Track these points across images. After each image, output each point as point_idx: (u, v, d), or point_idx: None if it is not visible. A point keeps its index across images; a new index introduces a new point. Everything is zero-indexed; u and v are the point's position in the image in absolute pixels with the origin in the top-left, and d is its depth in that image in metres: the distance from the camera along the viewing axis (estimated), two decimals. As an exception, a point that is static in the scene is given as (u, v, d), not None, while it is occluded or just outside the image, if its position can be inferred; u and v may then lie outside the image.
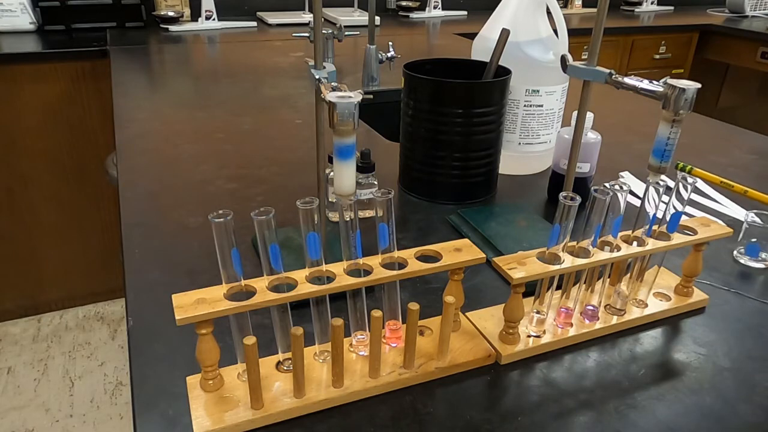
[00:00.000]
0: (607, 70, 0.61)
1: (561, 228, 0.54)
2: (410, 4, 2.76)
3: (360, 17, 2.38)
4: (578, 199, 0.53)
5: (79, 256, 2.09)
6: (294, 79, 1.61)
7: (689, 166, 0.96)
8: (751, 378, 0.56)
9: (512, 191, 0.95)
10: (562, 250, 0.56)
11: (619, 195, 0.55)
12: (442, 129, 0.84)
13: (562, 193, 0.53)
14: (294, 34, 1.71)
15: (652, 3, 3.22)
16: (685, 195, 0.59)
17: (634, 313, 0.63)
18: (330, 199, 0.80)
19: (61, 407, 1.76)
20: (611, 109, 1.39)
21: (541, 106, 0.95)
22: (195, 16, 2.30)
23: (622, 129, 1.26)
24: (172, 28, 2.21)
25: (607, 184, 0.55)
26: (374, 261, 0.53)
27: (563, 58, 0.66)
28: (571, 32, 1.00)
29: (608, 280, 0.63)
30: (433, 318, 0.60)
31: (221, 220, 0.46)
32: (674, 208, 0.59)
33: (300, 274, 0.50)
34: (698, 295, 0.66)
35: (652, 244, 0.59)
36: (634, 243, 0.59)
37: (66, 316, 2.16)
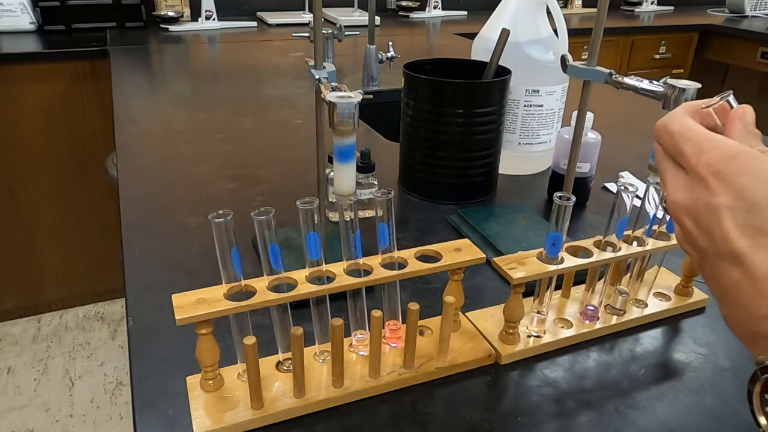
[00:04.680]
0: (607, 70, 0.61)
1: (558, 232, 0.54)
2: (410, 4, 2.76)
3: (360, 17, 2.38)
4: (573, 198, 0.53)
5: (79, 256, 2.09)
6: (294, 79, 1.61)
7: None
8: (751, 378, 0.56)
9: (512, 191, 0.95)
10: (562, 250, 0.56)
11: (624, 196, 0.55)
12: (442, 129, 0.84)
13: (557, 194, 0.53)
14: (294, 34, 1.71)
15: (652, 3, 3.22)
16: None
17: (634, 313, 0.63)
18: (330, 199, 0.80)
19: (61, 407, 1.76)
20: (611, 109, 1.39)
21: (541, 106, 0.95)
22: (195, 16, 2.29)
23: (622, 129, 1.26)
24: (172, 28, 2.21)
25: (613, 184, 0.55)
26: (374, 261, 0.53)
27: (563, 58, 0.66)
28: (571, 32, 1.00)
29: (609, 279, 0.63)
30: (433, 318, 0.60)
31: (221, 220, 0.46)
32: (674, 208, 0.59)
33: (300, 274, 0.50)
34: (698, 295, 0.66)
35: (652, 244, 0.59)
36: (634, 243, 0.59)
37: (66, 316, 2.16)
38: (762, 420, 0.31)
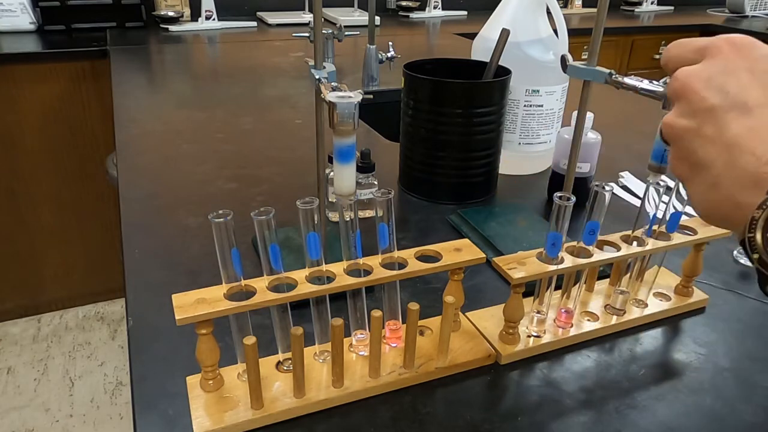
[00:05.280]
0: (607, 70, 0.60)
1: (558, 232, 0.54)
2: (410, 4, 2.76)
3: (360, 17, 2.38)
4: (573, 198, 0.53)
5: (79, 256, 2.09)
6: (294, 79, 1.61)
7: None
8: (751, 378, 0.56)
9: (512, 191, 0.95)
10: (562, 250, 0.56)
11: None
12: (442, 129, 0.84)
13: (557, 194, 0.53)
14: (294, 34, 1.71)
15: (652, 3, 3.22)
16: (685, 195, 0.59)
17: (634, 313, 0.63)
18: (330, 199, 0.80)
19: (61, 407, 1.76)
20: (611, 109, 1.39)
21: (541, 106, 0.95)
22: (195, 16, 2.29)
23: (622, 129, 1.26)
24: (172, 28, 2.21)
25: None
26: (374, 261, 0.53)
27: (563, 58, 0.66)
28: (571, 32, 1.00)
29: (602, 282, 0.63)
30: (433, 318, 0.60)
31: (221, 220, 0.46)
32: (674, 208, 0.59)
33: (300, 274, 0.50)
34: (698, 295, 0.66)
35: (652, 244, 0.59)
36: (634, 243, 0.59)
37: (66, 316, 2.16)
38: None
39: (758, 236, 0.30)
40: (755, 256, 0.30)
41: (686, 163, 0.34)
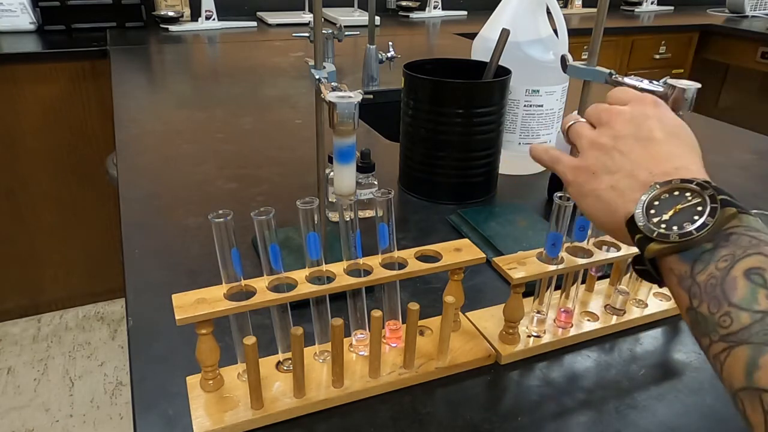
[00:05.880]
0: (607, 70, 0.60)
1: (558, 232, 0.54)
2: (410, 4, 2.76)
3: (360, 17, 2.38)
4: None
5: (79, 256, 2.09)
6: (294, 79, 1.61)
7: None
8: (751, 378, 0.56)
9: (512, 191, 0.95)
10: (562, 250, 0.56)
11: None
12: (442, 129, 0.84)
13: (557, 194, 0.53)
14: (294, 34, 1.71)
15: (652, 3, 3.22)
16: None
17: (634, 313, 0.63)
18: (330, 199, 0.80)
19: (61, 407, 1.76)
20: (611, 109, 1.38)
21: (541, 106, 0.95)
22: (195, 16, 2.29)
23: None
24: (172, 28, 2.21)
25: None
26: (374, 261, 0.53)
27: (563, 58, 0.66)
28: (571, 32, 1.00)
29: (584, 284, 0.63)
30: (433, 318, 0.60)
31: (221, 220, 0.46)
32: (674, 208, 0.59)
33: (300, 274, 0.50)
34: (698, 295, 0.66)
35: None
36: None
37: (66, 316, 2.16)
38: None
39: (639, 212, 0.39)
40: (638, 236, 0.39)
41: (588, 172, 0.44)
